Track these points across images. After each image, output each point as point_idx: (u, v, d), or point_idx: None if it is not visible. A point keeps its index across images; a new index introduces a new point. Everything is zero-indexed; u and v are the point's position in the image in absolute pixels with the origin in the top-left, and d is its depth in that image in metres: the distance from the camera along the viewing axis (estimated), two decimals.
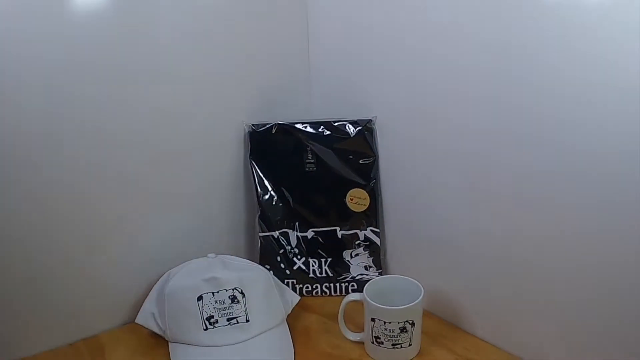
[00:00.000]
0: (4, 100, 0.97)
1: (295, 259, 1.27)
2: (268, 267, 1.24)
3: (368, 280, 1.22)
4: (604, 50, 0.80)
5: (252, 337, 1.07)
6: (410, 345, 1.05)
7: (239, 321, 1.07)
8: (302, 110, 1.34)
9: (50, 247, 1.08)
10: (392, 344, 1.03)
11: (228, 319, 1.07)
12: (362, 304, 1.06)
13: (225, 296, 1.07)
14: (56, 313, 1.12)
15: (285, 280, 1.26)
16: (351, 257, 1.27)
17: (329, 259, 1.28)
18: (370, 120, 1.21)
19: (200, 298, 1.07)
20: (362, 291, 1.07)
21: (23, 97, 0.98)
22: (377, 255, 1.27)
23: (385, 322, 1.02)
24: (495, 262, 1.05)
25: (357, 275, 1.27)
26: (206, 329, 1.06)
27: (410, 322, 1.02)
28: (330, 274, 1.27)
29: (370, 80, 1.20)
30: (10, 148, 0.99)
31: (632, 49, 0.77)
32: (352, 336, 1.11)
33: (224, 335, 1.05)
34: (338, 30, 1.24)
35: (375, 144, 1.22)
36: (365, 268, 1.27)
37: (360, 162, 1.23)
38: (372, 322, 1.03)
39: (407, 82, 1.11)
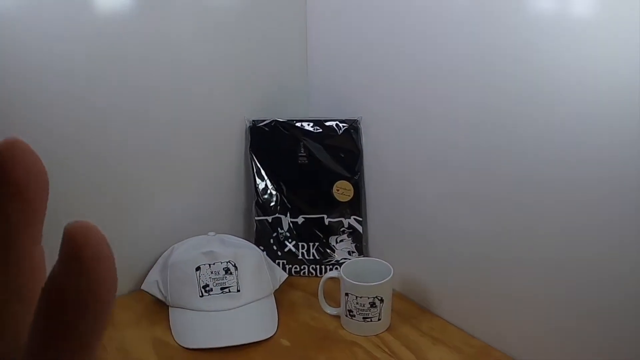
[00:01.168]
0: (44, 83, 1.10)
1: (286, 242, 1.41)
2: (262, 248, 1.36)
3: None
4: (597, 54, 0.85)
5: (242, 305, 1.21)
6: (379, 320, 1.17)
7: (231, 290, 1.21)
8: (299, 108, 1.47)
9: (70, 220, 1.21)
10: (363, 317, 1.16)
11: (221, 288, 1.21)
12: (339, 281, 1.19)
13: (220, 268, 1.21)
14: None
15: (277, 261, 1.39)
16: (336, 242, 1.40)
17: (317, 243, 1.41)
18: (357, 120, 1.34)
19: (198, 268, 1.21)
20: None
21: (51, 89, 1.11)
22: (359, 241, 1.40)
23: (357, 297, 1.15)
24: (462, 253, 1.16)
25: (341, 259, 1.39)
26: (202, 295, 1.20)
27: (380, 298, 1.15)
28: (317, 257, 1.40)
29: (359, 82, 1.32)
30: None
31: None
32: (330, 310, 1.23)
33: (217, 302, 1.20)
34: (333, 34, 1.36)
35: (360, 141, 1.35)
36: (349, 253, 1.40)
37: (346, 156, 1.37)
38: (346, 297, 1.17)
39: (391, 86, 1.23)
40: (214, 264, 1.22)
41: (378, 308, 1.17)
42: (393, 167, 1.29)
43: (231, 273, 1.22)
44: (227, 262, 1.22)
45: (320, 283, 1.23)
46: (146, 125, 1.25)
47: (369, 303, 1.16)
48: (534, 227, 1.02)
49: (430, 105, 1.15)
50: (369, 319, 1.17)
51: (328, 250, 1.41)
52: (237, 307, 1.21)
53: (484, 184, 1.08)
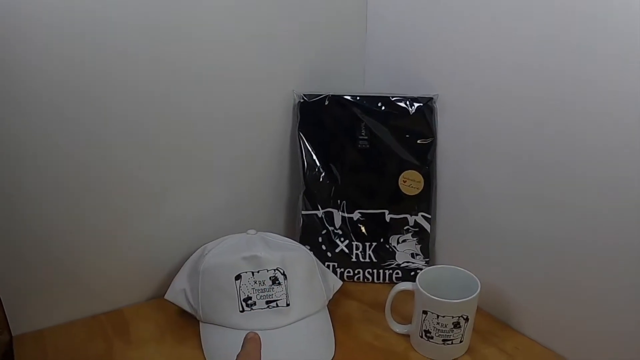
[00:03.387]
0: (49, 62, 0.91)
1: (338, 240, 1.20)
2: (308, 247, 1.16)
3: (414, 269, 1.17)
4: None
5: (291, 323, 1.00)
6: (461, 342, 0.97)
7: (279, 305, 1.00)
8: (355, 83, 1.26)
9: (79, 216, 1.02)
10: (443, 340, 0.96)
11: (267, 302, 0.99)
12: (410, 293, 0.99)
13: (265, 277, 1.00)
14: (79, 284, 1.06)
15: (326, 263, 1.19)
16: (398, 242, 1.19)
17: (374, 244, 1.20)
18: (432, 99, 1.12)
19: (238, 277, 1.00)
20: (411, 280, 1.01)
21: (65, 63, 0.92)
22: (425, 242, 1.19)
23: (438, 316, 0.94)
24: (549, 261, 0.98)
25: (403, 263, 1.19)
26: (242, 310, 0.99)
27: (465, 317, 0.95)
28: (374, 260, 1.20)
29: (433, 54, 1.10)
30: (47, 108, 0.93)
31: None
32: (399, 328, 1.03)
33: (262, 319, 0.98)
34: None
35: (435, 124, 1.13)
36: (412, 255, 1.19)
37: (417, 142, 1.14)
38: (424, 315, 0.96)
39: (475, 59, 1.02)
40: (258, 272, 1.00)
41: (462, 329, 0.96)
42: (471, 158, 1.08)
43: (279, 283, 1.00)
44: (274, 270, 1.01)
45: (389, 297, 1.02)
46: (172, 104, 1.05)
47: (453, 323, 0.95)
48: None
49: (520, 88, 0.96)
50: (449, 342, 0.96)
51: (387, 252, 1.20)
52: (286, 324, 1.00)
53: (573, 187, 0.92)
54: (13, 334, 1.03)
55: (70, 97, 0.93)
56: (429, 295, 0.94)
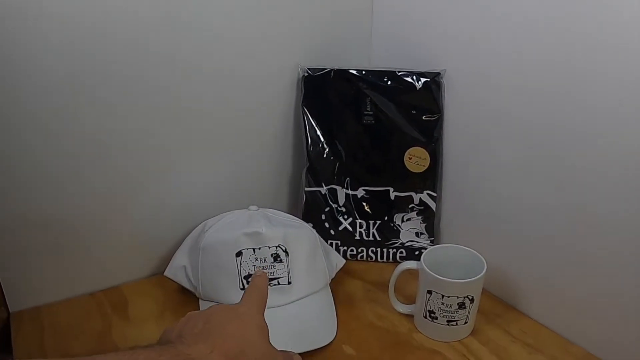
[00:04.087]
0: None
1: (341, 218, 1.17)
2: (311, 225, 1.13)
3: (418, 248, 1.14)
4: None
5: (293, 302, 0.98)
6: (465, 323, 0.95)
7: (280, 282, 0.97)
8: (361, 57, 1.22)
9: (77, 192, 1.00)
10: (447, 320, 0.94)
11: (268, 280, 0.97)
12: (414, 273, 0.97)
13: (267, 254, 0.98)
14: (77, 260, 1.04)
15: (329, 241, 1.16)
16: (402, 221, 1.17)
17: (378, 222, 1.17)
18: (439, 74, 1.08)
19: (239, 254, 0.97)
20: (415, 259, 0.97)
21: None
22: (430, 221, 1.16)
23: (443, 296, 0.92)
24: (557, 242, 0.95)
25: (407, 242, 1.17)
26: (243, 288, 0.96)
27: (470, 298, 0.92)
28: (378, 238, 1.18)
29: (441, 28, 1.07)
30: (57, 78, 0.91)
31: None
32: (402, 308, 1.01)
33: None
34: None
35: (442, 99, 1.10)
36: (417, 234, 1.17)
37: (423, 118, 1.11)
38: (428, 295, 0.93)
39: (484, 34, 0.98)
40: (259, 248, 0.98)
41: (467, 310, 0.93)
42: (478, 135, 1.05)
43: (281, 260, 0.98)
44: (276, 247, 0.98)
45: (393, 276, 0.99)
46: (174, 78, 1.02)
47: (458, 304, 0.92)
48: None
49: (530, 64, 0.92)
50: (453, 322, 0.94)
51: (391, 231, 1.17)
52: (288, 303, 0.97)
53: (586, 166, 0.88)
54: (10, 311, 1.01)
55: (75, 64, 0.91)
56: (434, 274, 0.91)
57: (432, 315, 0.94)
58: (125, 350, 0.56)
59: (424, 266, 0.93)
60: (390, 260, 1.17)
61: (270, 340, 0.70)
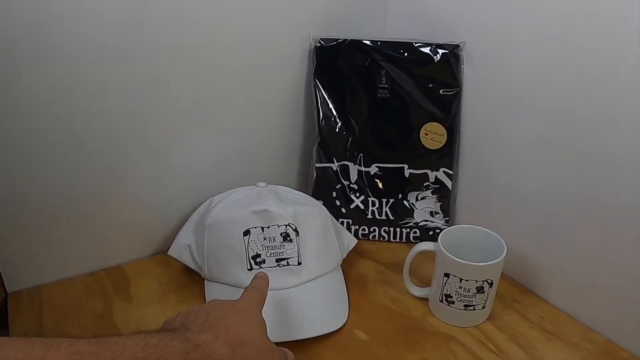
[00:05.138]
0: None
1: (353, 196, 1.13)
2: (322, 203, 1.09)
3: (432, 228, 1.11)
4: None
5: (303, 283, 0.94)
6: (483, 308, 0.91)
7: (290, 263, 0.93)
8: (376, 27, 1.18)
9: (78, 168, 0.95)
10: (465, 305, 0.90)
11: (277, 260, 0.93)
12: (428, 254, 0.93)
13: (276, 233, 0.93)
14: (77, 239, 1.01)
15: (340, 220, 1.13)
16: (416, 200, 1.13)
17: (391, 200, 1.13)
18: (458, 46, 1.03)
19: (247, 233, 0.93)
20: (429, 240, 0.96)
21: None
22: (446, 200, 1.12)
23: (461, 280, 0.88)
24: (578, 226, 0.91)
25: (421, 222, 1.13)
26: (250, 269, 0.92)
27: (490, 282, 0.88)
28: (391, 217, 1.14)
29: None
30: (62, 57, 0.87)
31: None
32: (417, 291, 0.97)
33: (271, 278, 0.90)
34: None
35: (460, 73, 1.05)
36: (431, 214, 1.13)
37: (441, 92, 1.06)
38: (446, 278, 0.89)
39: (506, 3, 0.94)
40: (268, 227, 0.93)
41: (485, 294, 0.90)
42: (498, 111, 1.01)
43: (291, 240, 0.94)
44: (286, 226, 0.94)
45: (408, 257, 0.95)
46: (183, 50, 0.97)
47: (476, 288, 0.88)
48: None
49: (554, 38, 0.87)
50: (471, 307, 0.90)
51: (405, 210, 1.13)
52: (297, 284, 0.93)
53: (610, 145, 0.84)
54: (8, 291, 0.98)
55: (80, 45, 0.87)
56: (452, 257, 0.87)
57: (449, 299, 0.90)
58: (138, 333, 0.58)
59: (442, 248, 0.89)
60: (404, 240, 1.13)
61: (276, 328, 0.74)
